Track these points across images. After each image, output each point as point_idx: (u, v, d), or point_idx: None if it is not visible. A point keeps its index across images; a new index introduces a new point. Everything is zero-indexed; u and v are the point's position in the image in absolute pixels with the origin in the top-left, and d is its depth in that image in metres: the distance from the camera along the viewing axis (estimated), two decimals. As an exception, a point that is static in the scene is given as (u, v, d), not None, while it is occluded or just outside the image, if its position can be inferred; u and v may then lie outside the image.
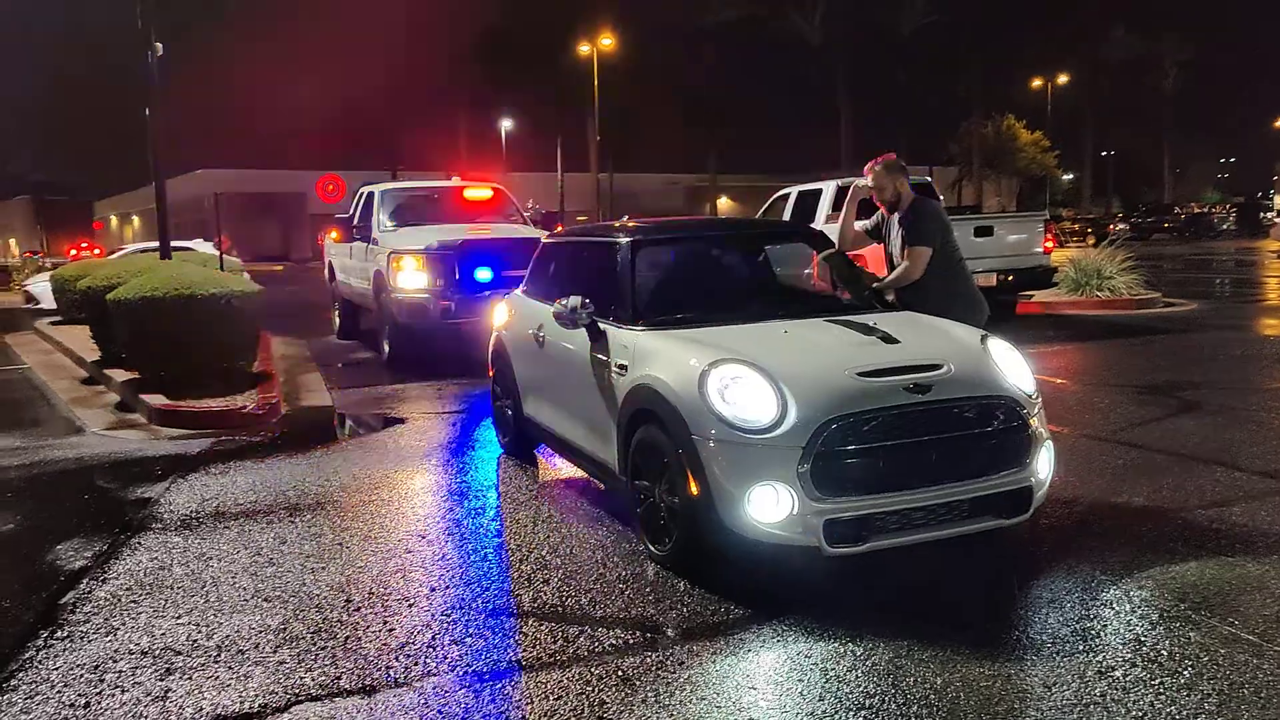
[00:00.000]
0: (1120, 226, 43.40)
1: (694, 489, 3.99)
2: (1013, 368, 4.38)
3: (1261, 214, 51.20)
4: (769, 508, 3.84)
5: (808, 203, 13.72)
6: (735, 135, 54.22)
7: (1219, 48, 60.79)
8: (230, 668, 3.48)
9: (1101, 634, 3.53)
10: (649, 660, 3.44)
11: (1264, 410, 7.25)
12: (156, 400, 8.12)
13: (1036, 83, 57.86)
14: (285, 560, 4.60)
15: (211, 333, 8.41)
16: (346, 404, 8.75)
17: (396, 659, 3.51)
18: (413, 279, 9.88)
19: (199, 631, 3.81)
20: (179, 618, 3.96)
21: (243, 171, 54.55)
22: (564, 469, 6.03)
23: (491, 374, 6.73)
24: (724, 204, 60.18)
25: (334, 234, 12.89)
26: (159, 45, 11.25)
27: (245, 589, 4.25)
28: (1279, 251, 32.19)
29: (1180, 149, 71.01)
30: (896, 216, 5.50)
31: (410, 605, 4.02)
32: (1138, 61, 58.83)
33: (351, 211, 12.63)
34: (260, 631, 3.79)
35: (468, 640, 3.65)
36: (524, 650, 3.55)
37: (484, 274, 9.77)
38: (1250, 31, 63.86)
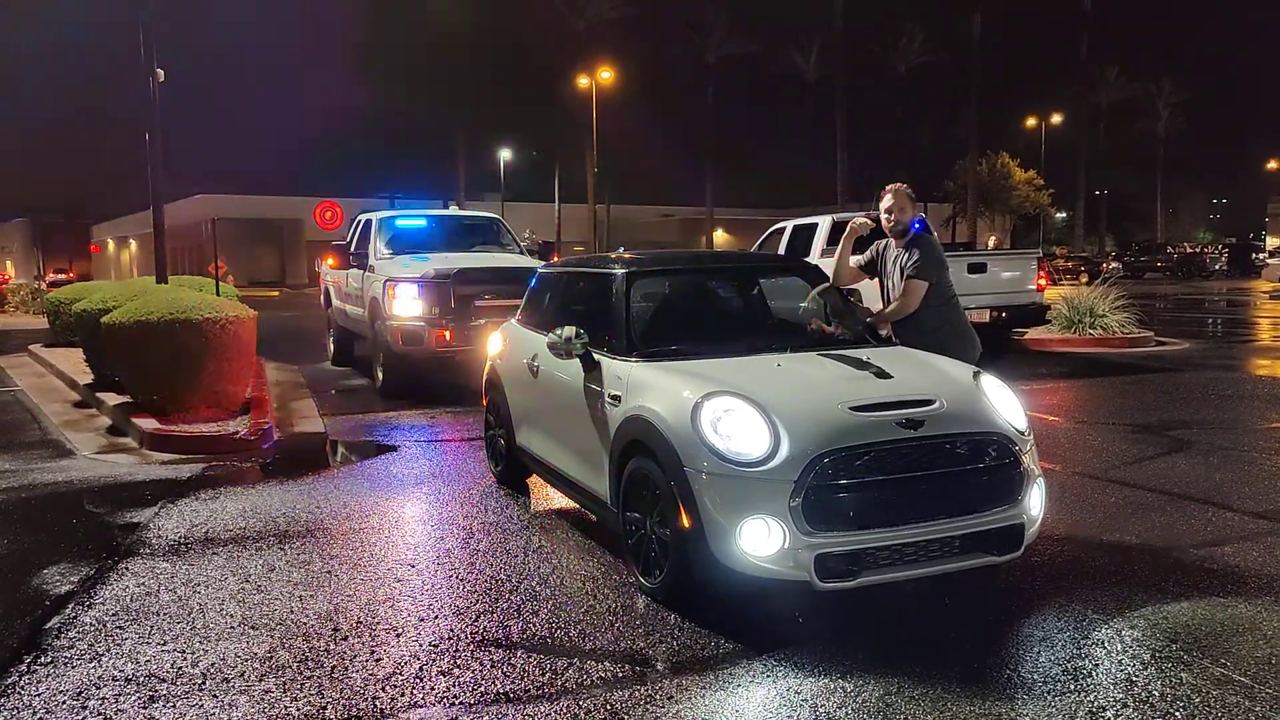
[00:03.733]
0: (1113, 265, 43.79)
1: (685, 521, 3.98)
2: (1005, 404, 4.39)
3: (1254, 255, 51.62)
4: (760, 541, 3.83)
5: (802, 237, 13.79)
6: (732, 169, 54.60)
7: (1212, 90, 61.54)
8: (215, 696, 3.45)
9: (1093, 674, 3.51)
10: (638, 694, 3.41)
11: (1255, 450, 7.27)
12: (148, 424, 8.10)
13: (1031, 122, 58.42)
14: (273, 588, 4.57)
15: (205, 357, 8.40)
16: (339, 430, 8.73)
17: (383, 689, 3.48)
18: (408, 306, 9.89)
19: (184, 659, 3.77)
20: (165, 645, 3.92)
21: (242, 197, 54.78)
22: (556, 499, 6.01)
23: (485, 403, 6.73)
24: (720, 236, 60.46)
25: (330, 260, 12.92)
26: (160, 72, 11.32)
27: (232, 616, 4.22)
28: (1271, 292, 32.40)
29: (1173, 189, 71.64)
30: (893, 249, 5.55)
31: (398, 635, 3.99)
32: (1131, 103, 59.48)
33: (349, 238, 12.67)
34: (246, 660, 3.76)
35: (455, 672, 3.62)
36: (512, 682, 3.52)
37: (479, 303, 9.79)
38: (1243, 75, 64.59)
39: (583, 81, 45.10)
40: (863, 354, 4.70)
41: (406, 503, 6.19)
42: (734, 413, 4.04)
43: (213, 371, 8.47)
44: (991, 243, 38.32)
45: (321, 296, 14.55)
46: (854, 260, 5.84)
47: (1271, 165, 71.35)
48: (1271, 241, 62.25)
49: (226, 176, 54.46)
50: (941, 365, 4.77)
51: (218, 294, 11.44)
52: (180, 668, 3.69)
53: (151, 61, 11.33)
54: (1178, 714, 3.19)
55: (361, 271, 11.37)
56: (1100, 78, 57.34)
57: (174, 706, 3.37)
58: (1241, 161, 71.39)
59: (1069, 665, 3.59)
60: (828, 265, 13.06)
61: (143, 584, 4.65)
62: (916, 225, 14.67)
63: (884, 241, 5.69)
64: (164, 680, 3.59)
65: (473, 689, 3.47)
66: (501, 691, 3.45)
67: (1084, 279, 38.31)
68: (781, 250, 14.04)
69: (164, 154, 12.15)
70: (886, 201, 5.53)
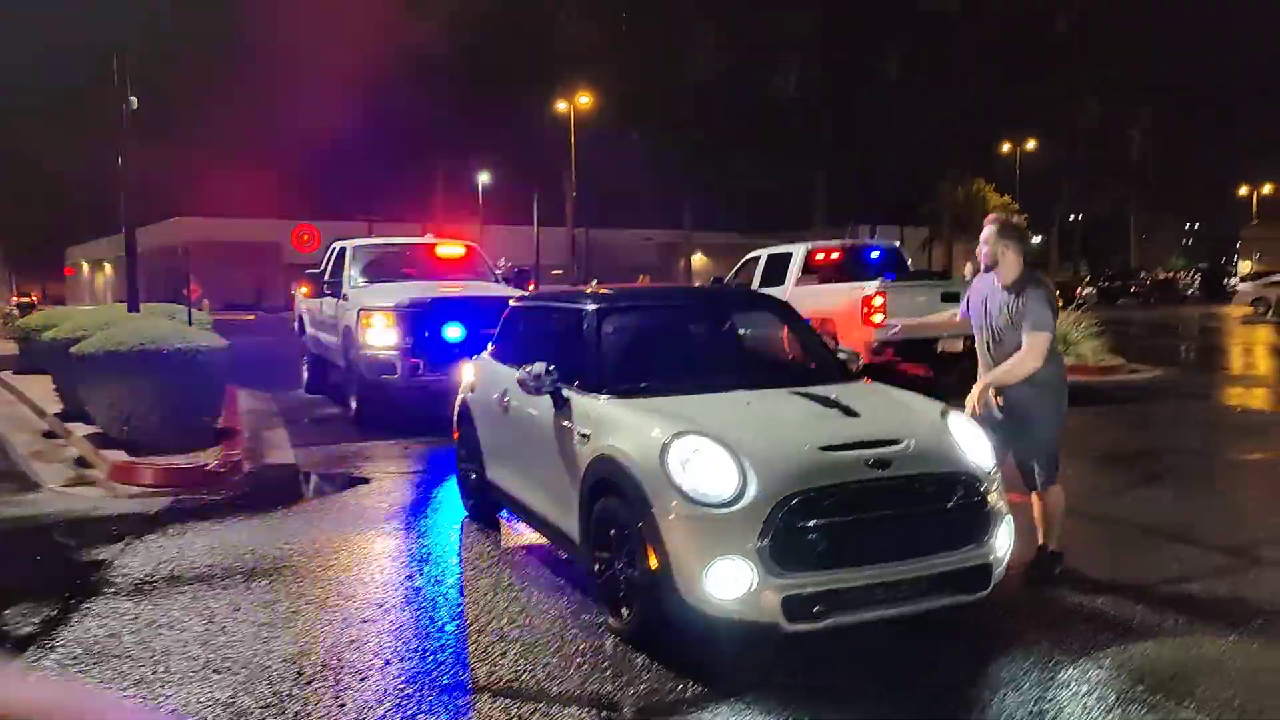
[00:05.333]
0: (1087, 290, 44.18)
1: (653, 562, 3.97)
2: (972, 443, 4.41)
3: (1225, 280, 52.29)
4: (728, 583, 3.82)
5: (777, 266, 13.86)
6: (711, 191, 54.85)
7: (1186, 118, 62.41)
8: (174, 745, 3.40)
9: (1058, 716, 3.52)
10: (603, 740, 3.39)
11: (1225, 483, 7.34)
12: (117, 456, 8.01)
13: (1006, 147, 59.06)
14: (238, 629, 4.51)
15: (176, 388, 8.32)
16: (310, 462, 8.65)
17: (346, 737, 3.44)
18: (382, 336, 9.86)
19: (145, 705, 3.71)
20: (126, 689, 3.86)
21: (218, 220, 54.49)
22: (527, 535, 5.98)
23: (457, 436, 6.69)
24: (698, 260, 60.66)
25: (304, 289, 12.86)
26: (134, 99, 11.28)
27: (196, 659, 4.16)
28: (1243, 318, 32.80)
29: (1147, 214, 72.51)
30: (997, 291, 4.94)
31: (363, 679, 3.94)
32: (1106, 129, 60.26)
33: (323, 266, 12.62)
34: (208, 705, 3.70)
35: (420, 717, 3.58)
36: (476, 729, 3.49)
37: (454, 333, 9.76)
38: (1217, 104, 65.64)
39: (561, 106, 45.26)
40: (831, 391, 4.71)
41: (377, 538, 6.14)
42: (702, 453, 4.04)
43: (183, 402, 8.39)
44: (969, 269, 38.68)
45: (296, 323, 14.47)
46: (959, 311, 5.47)
47: (1243, 192, 72.43)
48: (1243, 267, 63.08)
49: (203, 198, 54.10)
50: (909, 403, 4.80)
51: (190, 321, 11.36)
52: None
53: (125, 89, 11.29)
54: (1141, 759, 3.20)
55: (335, 300, 11.33)
56: (1076, 102, 58.13)
57: (131, 756, 3.32)
58: (1214, 188, 72.41)
59: (1035, 708, 3.59)
60: (803, 291, 13.13)
61: (105, 625, 4.58)
62: (891, 254, 14.53)
63: (978, 277, 5.17)
64: (122, 728, 3.52)
65: (437, 736, 3.44)
66: (466, 738, 3.42)
67: (1059, 303, 38.60)
68: (757, 278, 14.11)
69: (138, 177, 12.08)
70: (983, 235, 5.01)
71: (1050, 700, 3.65)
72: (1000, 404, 4.85)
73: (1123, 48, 57.80)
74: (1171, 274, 58.57)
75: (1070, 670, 3.91)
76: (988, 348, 5.03)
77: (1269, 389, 14.10)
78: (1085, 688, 3.75)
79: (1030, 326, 4.75)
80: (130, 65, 11.59)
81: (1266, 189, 71.67)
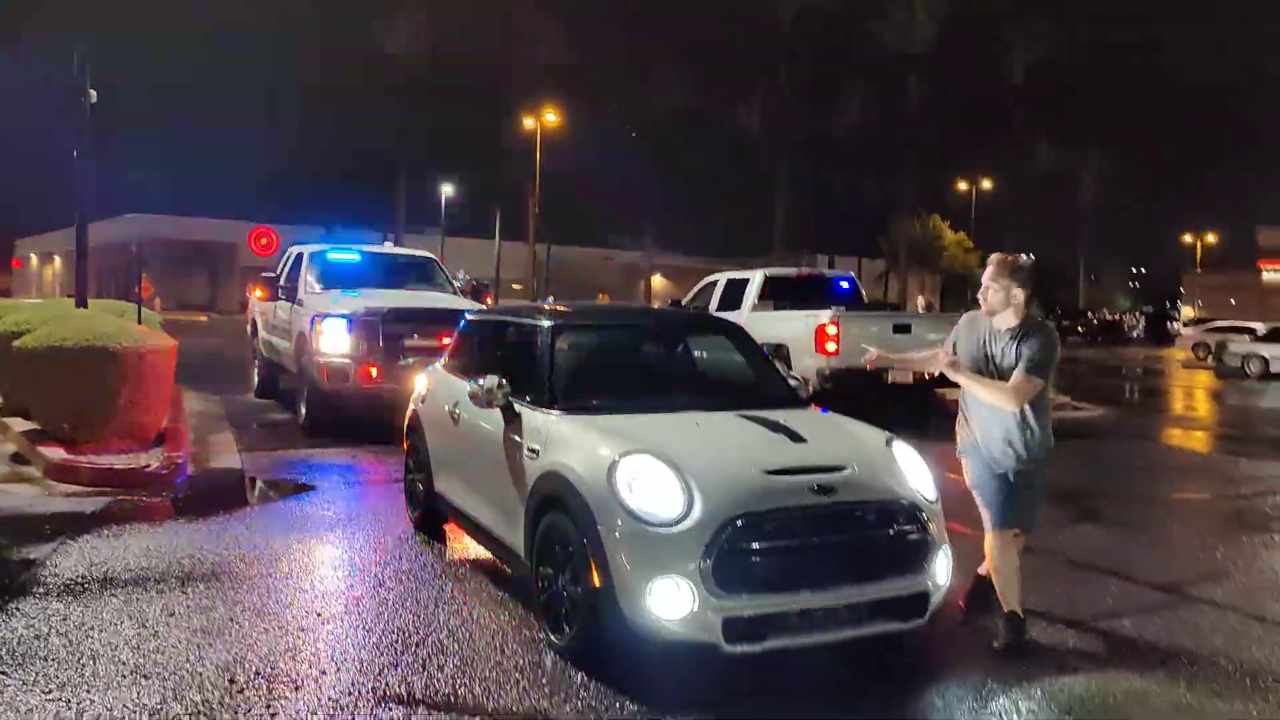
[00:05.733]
0: (1037, 328, 44.82)
1: (596, 580, 3.97)
2: (915, 472, 4.48)
3: (1169, 323, 53.58)
4: (669, 602, 3.83)
5: (735, 290, 13.99)
6: (672, 216, 55.22)
7: (1134, 164, 64.08)
8: (98, 750, 3.32)
9: (988, 745, 3.57)
10: (538, 757, 3.38)
11: (1161, 522, 7.50)
12: (54, 454, 7.84)
13: (962, 185, 60.15)
14: (171, 634, 4.43)
15: (120, 387, 8.18)
16: (256, 467, 8.53)
17: (276, 746, 3.39)
18: (335, 343, 9.77)
19: (69, 709, 3.63)
20: (49, 693, 3.77)
21: (174, 219, 53.66)
22: (472, 549, 5.94)
23: (405, 446, 6.65)
24: (658, 282, 60.87)
25: (259, 292, 12.71)
26: (93, 93, 11.11)
27: (125, 664, 4.08)
28: (1185, 361, 33.60)
29: (1095, 256, 74.15)
30: (1001, 333, 4.58)
31: (297, 689, 3.89)
32: (1058, 173, 61.62)
33: (279, 270, 12.49)
34: (135, 711, 3.63)
35: (353, 729, 3.54)
36: (410, 742, 3.46)
37: (408, 343, 9.71)
38: (1164, 151, 67.52)
39: (528, 123, 45.31)
40: (779, 416, 4.76)
41: (319, 547, 6.07)
42: (649, 473, 4.06)
43: (127, 401, 8.24)
44: (921, 302, 39.25)
45: (248, 326, 14.29)
46: (943, 351, 4.93)
47: (1187, 238, 74.37)
48: (1186, 312, 64.69)
49: (159, 196, 53.31)
50: (855, 430, 4.87)
51: (140, 320, 11.18)
52: (63, 717, 3.56)
53: (85, 83, 11.12)
54: (1066, 789, 3.25)
55: (290, 304, 11.21)
56: (1029, 146, 59.43)
57: (53, 760, 3.25)
58: (1160, 233, 74.38)
59: (966, 736, 3.64)
60: (759, 318, 13.24)
61: (32, 626, 4.48)
62: (847, 285, 14.70)
63: (977, 319, 4.74)
64: (45, 731, 3.45)
65: (369, 748, 3.40)
66: (399, 751, 3.39)
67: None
68: (715, 301, 14.21)
69: (93, 173, 11.88)
70: (986, 275, 4.60)
71: (981, 729, 3.70)
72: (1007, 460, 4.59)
73: (1077, 96, 59.31)
74: (1118, 316, 59.86)
75: (1002, 699, 3.97)
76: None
77: (1207, 431, 14.45)
78: (1016, 718, 3.81)
79: (1026, 368, 4.42)
80: (91, 58, 11.42)
81: (1210, 238, 73.71)
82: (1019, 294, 4.53)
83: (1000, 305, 4.54)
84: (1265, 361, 26.33)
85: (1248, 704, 4.01)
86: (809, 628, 3.97)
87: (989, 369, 4.59)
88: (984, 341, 4.64)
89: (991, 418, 4.60)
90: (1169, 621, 5.06)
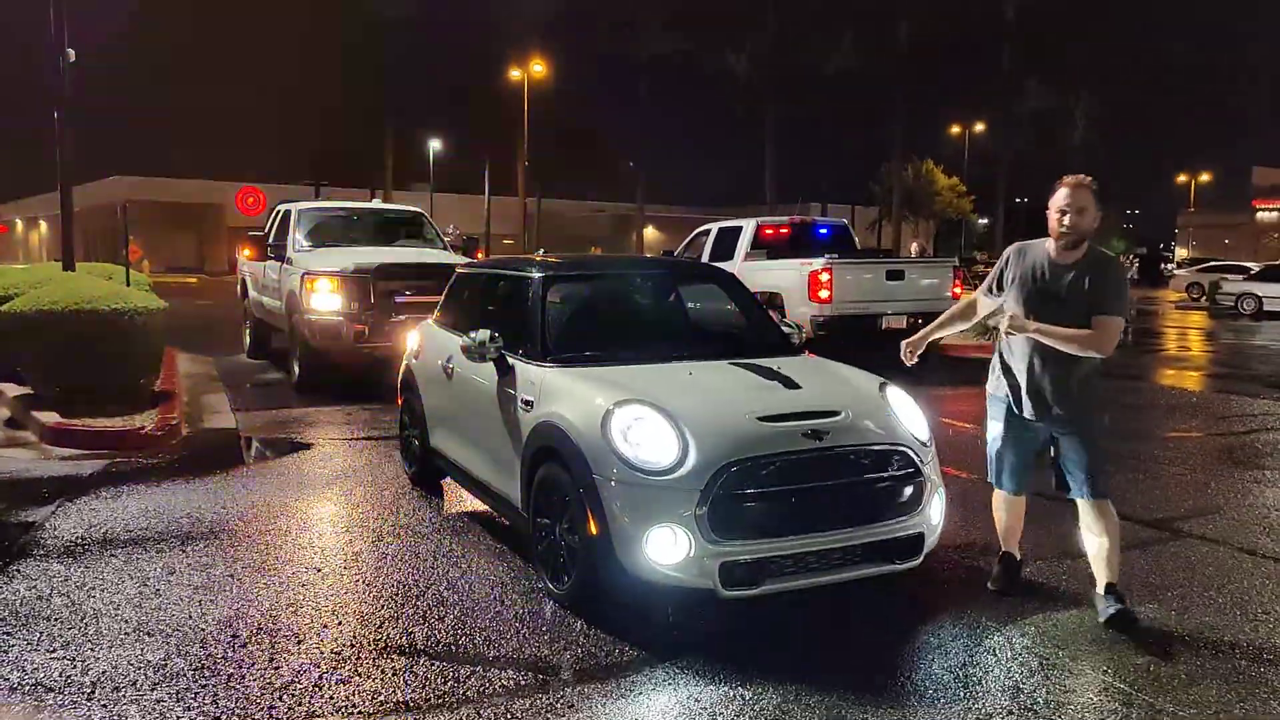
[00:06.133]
0: (1031, 272, 44.87)
1: (593, 528, 4.00)
2: (908, 416, 4.50)
3: (1162, 265, 53.60)
4: (666, 549, 3.87)
5: (727, 240, 13.94)
6: (663, 166, 54.83)
7: (1127, 104, 63.65)
8: (104, 705, 3.36)
9: (983, 681, 3.62)
10: (539, 703, 3.42)
11: (1155, 460, 7.55)
12: (49, 418, 7.83)
13: (955, 129, 59.72)
14: (172, 592, 4.47)
15: (111, 349, 8.15)
16: (251, 427, 8.54)
17: (280, 698, 3.43)
18: (326, 301, 9.73)
19: (74, 667, 3.67)
20: (54, 651, 3.80)
21: (160, 180, 53.18)
22: (468, 502, 5.97)
23: (400, 403, 6.66)
24: (650, 234, 60.61)
25: (247, 251, 12.63)
26: (71, 52, 10.92)
27: (127, 622, 4.11)
28: (1178, 302, 33.67)
29: (1089, 199, 73.94)
30: (1065, 266, 4.09)
31: (299, 642, 3.93)
32: (1050, 113, 61.18)
33: (267, 229, 12.40)
34: (139, 667, 3.67)
35: (355, 680, 3.58)
36: (413, 691, 3.50)
37: (400, 299, 9.67)
38: (1156, 92, 67.03)
39: (514, 74, 44.76)
40: (773, 363, 4.76)
41: (317, 504, 6.10)
42: (643, 421, 4.07)
43: (119, 364, 8.23)
44: (915, 248, 39.19)
45: (239, 287, 14.22)
46: (984, 303, 4.50)
47: (1181, 179, 74.13)
48: (1180, 253, 64.70)
49: (144, 157, 52.76)
50: (849, 376, 4.87)
51: (128, 282, 11.11)
52: (69, 676, 3.59)
53: (62, 40, 10.92)
54: (1059, 721, 3.31)
55: (279, 263, 11.15)
56: (1020, 88, 58.93)
57: (60, 717, 3.28)
58: (1153, 174, 74.13)
59: (961, 673, 3.69)
60: (752, 266, 13.21)
61: (34, 587, 4.50)
62: (839, 232, 14.62)
63: (1029, 250, 4.26)
64: (51, 690, 3.48)
65: (372, 698, 3.45)
66: (402, 700, 3.43)
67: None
68: (707, 252, 14.16)
69: (75, 133, 11.71)
70: (1064, 196, 4.05)
71: (976, 665, 3.76)
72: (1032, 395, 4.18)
73: (1068, 35, 58.67)
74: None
75: (996, 637, 4.03)
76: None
77: (1200, 370, 14.51)
78: (1009, 654, 3.87)
79: (1111, 309, 4.01)
80: (68, 16, 11.21)
81: (1204, 178, 73.44)
82: (1093, 219, 4.06)
83: (1069, 230, 4.01)
84: (1259, 300, 26.41)
85: (1237, 634, 4.07)
86: (805, 571, 4.01)
87: (1046, 306, 4.07)
88: (1040, 274, 4.13)
89: (1037, 363, 4.13)
90: (1160, 556, 5.12)
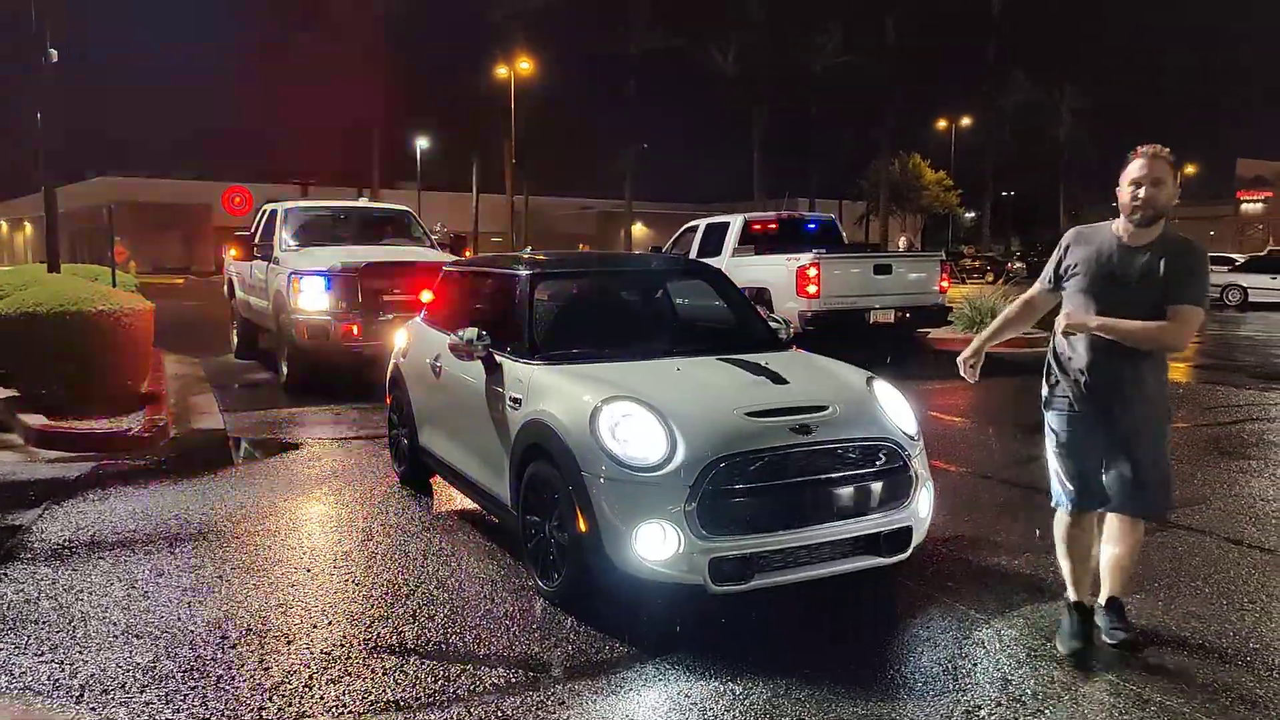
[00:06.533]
0: (1017, 265, 45.14)
1: (582, 525, 4.00)
2: (896, 409, 4.51)
3: (1150, 257, 53.73)
4: (655, 545, 3.87)
5: (715, 236, 13.95)
6: (651, 162, 54.85)
7: (1112, 97, 63.91)
8: (92, 708, 3.35)
9: (972, 673, 3.64)
10: (530, 700, 3.43)
11: (1138, 451, 7.59)
12: (35, 420, 7.79)
13: (942, 124, 59.85)
14: (161, 594, 4.45)
15: (97, 351, 8.12)
16: (239, 427, 8.52)
17: (270, 699, 3.42)
18: (314, 300, 9.70)
19: (62, 670, 3.65)
20: (41, 655, 3.79)
21: (147, 180, 52.97)
22: (458, 501, 5.97)
23: (389, 401, 6.65)
24: (639, 230, 60.60)
25: (234, 251, 12.59)
26: (54, 52, 10.86)
27: (116, 624, 4.10)
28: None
29: (1075, 191, 74.19)
30: (1138, 249, 3.63)
31: (289, 642, 3.92)
32: (1036, 108, 61.42)
33: (253, 229, 12.37)
34: (128, 670, 3.66)
35: (345, 680, 3.58)
36: (403, 690, 3.50)
37: (387, 298, 9.65)
38: (1140, 85, 67.39)
39: (502, 71, 44.67)
40: (761, 359, 4.77)
41: (306, 504, 6.09)
42: (632, 418, 4.08)
43: (105, 366, 8.20)
44: (903, 242, 39.28)
45: (225, 287, 14.17)
46: (1036, 292, 4.01)
47: (1166, 172, 74.41)
48: (1165, 245, 64.90)
49: (130, 158, 52.49)
50: (836, 370, 4.88)
51: (114, 283, 11.07)
52: (58, 679, 3.58)
53: (44, 40, 10.87)
54: (1047, 712, 3.33)
55: (266, 263, 11.11)
56: (1007, 82, 59.14)
57: (48, 721, 3.27)
58: (1140, 167, 74.38)
59: (949, 665, 3.71)
60: (740, 262, 13.23)
61: (22, 590, 4.49)
62: (827, 227, 14.60)
63: (1092, 233, 3.81)
64: (39, 694, 3.47)
65: (362, 697, 3.44)
66: (392, 700, 3.43)
67: (990, 278, 39.51)
68: (695, 248, 14.17)
69: (60, 134, 11.67)
70: (1139, 168, 3.60)
71: (965, 657, 3.78)
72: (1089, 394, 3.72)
73: (1054, 30, 58.85)
74: (1098, 251, 60.08)
75: (984, 629, 4.05)
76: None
77: (1186, 361, 14.58)
78: (998, 645, 3.89)
79: (1187, 299, 3.54)
80: (50, 14, 11.16)
81: (1189, 170, 73.75)
82: (1171, 194, 3.60)
83: (1168, 206, 3.58)
84: (1244, 291, 26.53)
85: (1223, 624, 4.10)
86: (794, 565, 4.02)
87: (1115, 296, 3.61)
88: (1107, 259, 3.66)
89: (1102, 359, 3.67)
90: (1147, 546, 5.11)
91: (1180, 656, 3.78)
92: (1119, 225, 3.70)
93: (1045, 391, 3.91)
